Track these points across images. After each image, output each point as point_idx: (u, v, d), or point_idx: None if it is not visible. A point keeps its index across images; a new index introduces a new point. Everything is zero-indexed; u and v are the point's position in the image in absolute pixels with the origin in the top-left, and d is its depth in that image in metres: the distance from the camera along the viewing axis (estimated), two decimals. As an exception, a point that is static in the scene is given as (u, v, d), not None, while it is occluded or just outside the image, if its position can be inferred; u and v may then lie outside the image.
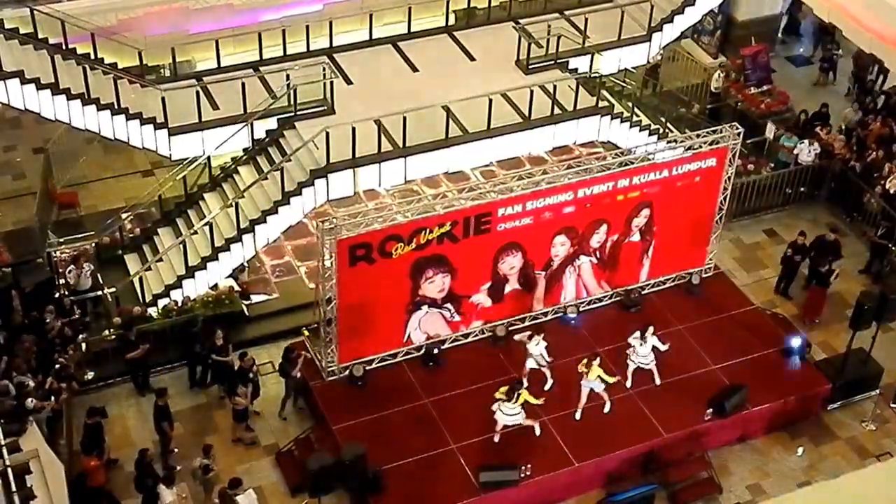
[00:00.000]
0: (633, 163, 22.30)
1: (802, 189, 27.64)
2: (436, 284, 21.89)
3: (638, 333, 21.72)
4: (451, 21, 26.52)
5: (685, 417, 21.61)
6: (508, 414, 20.48)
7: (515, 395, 20.31)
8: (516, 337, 22.25)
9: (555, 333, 22.53)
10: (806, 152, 27.33)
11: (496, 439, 20.82)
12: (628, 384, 21.87)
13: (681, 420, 21.55)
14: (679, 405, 21.72)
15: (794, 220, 26.57)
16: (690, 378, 22.31)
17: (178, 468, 20.58)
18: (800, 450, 22.11)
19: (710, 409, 21.67)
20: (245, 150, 23.46)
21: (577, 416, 21.35)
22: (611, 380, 21.19)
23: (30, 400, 19.46)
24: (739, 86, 29.93)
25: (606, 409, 21.38)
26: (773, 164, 27.53)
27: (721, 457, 21.75)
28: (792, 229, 25.68)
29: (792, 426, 22.44)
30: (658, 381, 21.89)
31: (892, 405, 23.11)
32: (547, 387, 21.60)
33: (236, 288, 23.67)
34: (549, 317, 23.42)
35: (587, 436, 21.14)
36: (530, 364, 21.65)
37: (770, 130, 28.15)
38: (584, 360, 21.17)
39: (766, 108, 29.37)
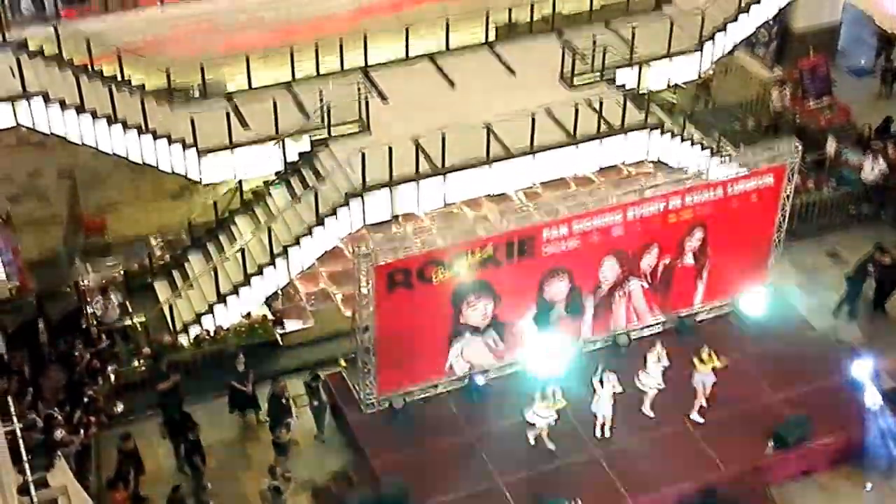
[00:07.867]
0: (685, 182, 21.75)
1: (866, 209, 26.77)
2: (478, 311, 21.50)
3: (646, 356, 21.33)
4: (491, 35, 25.73)
5: (745, 451, 21.18)
6: (542, 416, 20.29)
7: (551, 397, 20.25)
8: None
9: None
10: (869, 169, 26.50)
11: (532, 442, 20.73)
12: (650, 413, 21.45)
13: (741, 453, 21.12)
14: (738, 437, 21.28)
15: (858, 242, 25.66)
16: (750, 409, 21.86)
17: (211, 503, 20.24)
18: (868, 485, 21.33)
19: (772, 442, 21.03)
20: (277, 173, 22.99)
21: (699, 417, 21.33)
22: (720, 363, 21.10)
23: (59, 431, 19.35)
24: (798, 100, 29.09)
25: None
26: (835, 182, 26.75)
27: (785, 493, 21.07)
28: (855, 252, 24.86)
29: (859, 459, 21.52)
30: (651, 414, 21.43)
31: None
32: None
33: (270, 316, 23.34)
34: (598, 344, 22.79)
35: (641, 470, 20.66)
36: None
37: (831, 146, 27.39)
38: (699, 354, 20.99)
39: (826, 123, 28.54)
